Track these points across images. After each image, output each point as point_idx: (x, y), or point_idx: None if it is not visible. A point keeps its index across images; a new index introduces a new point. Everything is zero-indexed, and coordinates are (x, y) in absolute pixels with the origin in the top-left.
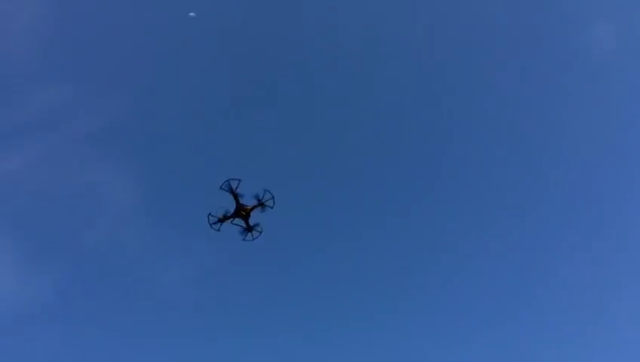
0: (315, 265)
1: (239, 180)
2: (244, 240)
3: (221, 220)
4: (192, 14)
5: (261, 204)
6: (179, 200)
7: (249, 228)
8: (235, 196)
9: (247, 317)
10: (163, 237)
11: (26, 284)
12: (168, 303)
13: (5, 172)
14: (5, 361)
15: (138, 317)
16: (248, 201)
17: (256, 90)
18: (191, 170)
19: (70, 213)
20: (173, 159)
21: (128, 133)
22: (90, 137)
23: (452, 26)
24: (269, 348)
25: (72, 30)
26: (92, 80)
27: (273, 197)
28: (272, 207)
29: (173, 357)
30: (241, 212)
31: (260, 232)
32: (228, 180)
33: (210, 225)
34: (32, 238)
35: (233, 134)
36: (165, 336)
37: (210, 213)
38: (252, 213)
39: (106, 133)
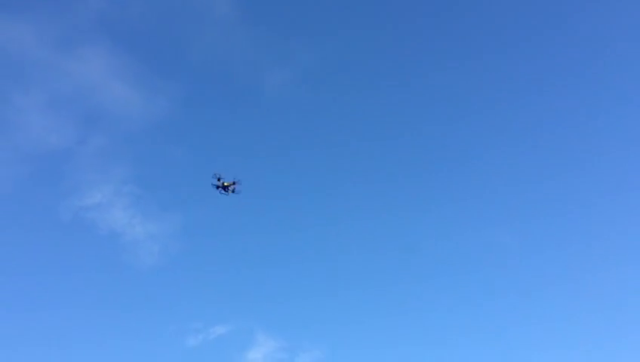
0: None
1: (220, 174)
2: (228, 195)
3: (218, 187)
4: None
5: (234, 183)
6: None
7: (232, 190)
8: (219, 180)
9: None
10: (263, 42)
11: (147, 102)
12: (273, 105)
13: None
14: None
15: (248, 120)
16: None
17: None
18: None
19: (171, 30)
20: None
21: None
22: None
23: None
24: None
25: None
26: None
27: (240, 181)
28: (240, 184)
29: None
30: (225, 187)
31: (240, 186)
32: (214, 174)
33: (215, 187)
34: (142, 59)
35: None
36: (271, 136)
37: (214, 173)
38: (231, 187)
39: None
